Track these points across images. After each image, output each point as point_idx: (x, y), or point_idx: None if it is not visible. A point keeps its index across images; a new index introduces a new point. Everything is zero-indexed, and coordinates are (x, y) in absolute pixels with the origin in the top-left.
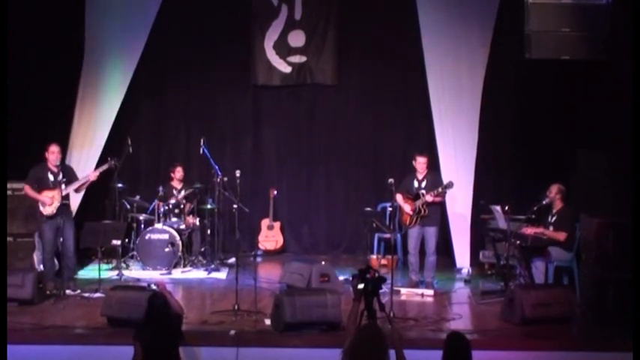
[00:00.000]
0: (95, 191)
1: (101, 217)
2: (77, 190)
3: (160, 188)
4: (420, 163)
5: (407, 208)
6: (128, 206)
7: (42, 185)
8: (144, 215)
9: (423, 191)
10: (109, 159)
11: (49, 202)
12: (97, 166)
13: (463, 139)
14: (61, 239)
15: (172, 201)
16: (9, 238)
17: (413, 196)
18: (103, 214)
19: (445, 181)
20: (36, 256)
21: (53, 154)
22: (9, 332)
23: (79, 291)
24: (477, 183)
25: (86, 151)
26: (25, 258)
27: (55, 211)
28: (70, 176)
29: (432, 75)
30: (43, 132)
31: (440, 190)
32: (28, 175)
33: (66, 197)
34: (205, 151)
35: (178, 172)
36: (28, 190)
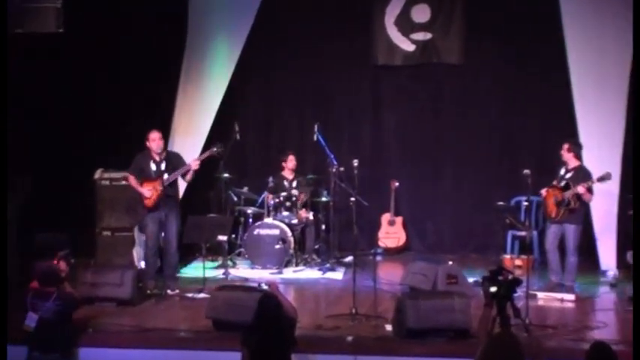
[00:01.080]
0: (199, 182)
1: (206, 210)
2: (185, 178)
3: (270, 179)
4: (567, 152)
5: (551, 200)
6: (235, 198)
7: (143, 175)
8: (252, 209)
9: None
10: (212, 146)
11: (147, 195)
12: (201, 153)
13: (608, 128)
14: (163, 234)
15: (283, 193)
16: (106, 232)
17: (561, 186)
18: (207, 207)
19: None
20: (136, 253)
21: (154, 141)
22: (106, 335)
23: (177, 291)
24: (623, 177)
25: (190, 139)
26: (125, 254)
27: (156, 204)
28: (175, 164)
29: (573, 55)
30: (142, 119)
31: (595, 180)
32: (131, 164)
33: (172, 188)
34: (320, 138)
35: (290, 162)
36: (132, 180)
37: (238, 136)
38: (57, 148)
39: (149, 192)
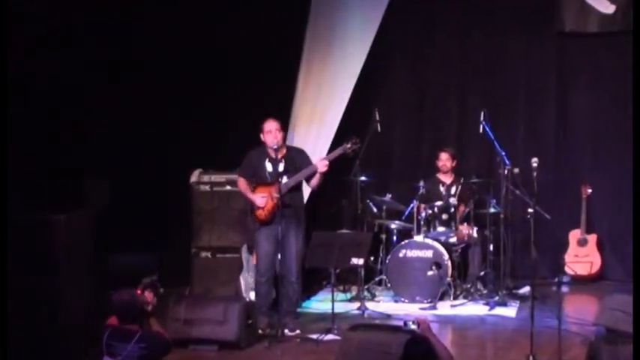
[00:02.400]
0: (327, 188)
1: (336, 225)
2: (310, 183)
3: (421, 184)
4: None
5: None
6: (375, 209)
7: (256, 178)
8: (397, 222)
9: None
10: (344, 142)
11: (260, 203)
12: (330, 150)
13: None
14: (280, 256)
15: (438, 202)
16: (205, 253)
17: None
18: (338, 220)
19: None
20: (244, 280)
21: (270, 133)
22: None
23: (297, 331)
24: None
25: (315, 132)
26: (229, 282)
27: (272, 216)
28: (298, 165)
29: None
30: (254, 107)
31: None
32: (242, 163)
33: (293, 196)
34: (487, 129)
35: (447, 161)
36: (242, 183)
37: (379, 128)
38: (141, 144)
39: (262, 200)
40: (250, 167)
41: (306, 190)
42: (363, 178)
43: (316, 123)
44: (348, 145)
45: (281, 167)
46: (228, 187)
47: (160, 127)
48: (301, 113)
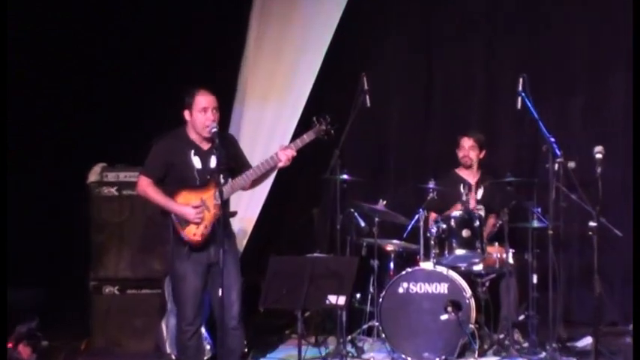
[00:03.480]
0: (291, 190)
1: (304, 245)
2: (251, 185)
3: (431, 184)
4: None
5: None
6: (362, 223)
7: (178, 178)
8: (395, 242)
9: None
10: (315, 121)
11: (193, 216)
12: (296, 135)
13: None
14: (214, 294)
15: (457, 212)
16: (110, 289)
17: None
18: (308, 238)
19: None
20: (167, 328)
21: (204, 112)
22: None
23: None
24: None
25: (274, 106)
26: (145, 332)
27: (208, 237)
28: (234, 158)
29: None
30: (180, 76)
31: None
32: (148, 156)
33: (226, 204)
34: (528, 103)
35: (472, 150)
36: (146, 187)
37: (368, 101)
38: (26, 134)
39: (197, 212)
40: (163, 165)
41: (251, 197)
42: (344, 177)
43: (275, 95)
44: (323, 127)
45: (212, 161)
46: (136, 191)
47: (43, 110)
48: (253, 81)
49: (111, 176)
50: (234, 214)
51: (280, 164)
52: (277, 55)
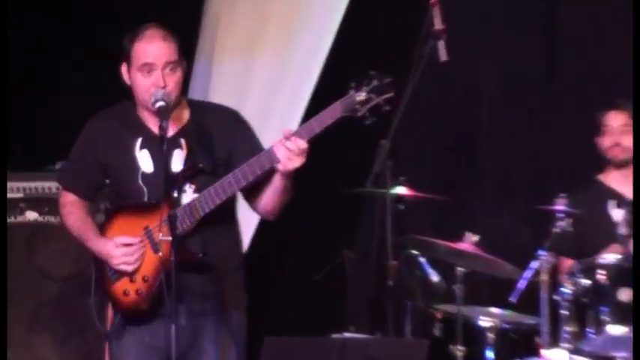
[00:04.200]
0: (300, 209)
1: (325, 310)
2: (257, 198)
3: (559, 205)
4: None
5: None
6: (434, 275)
7: (117, 190)
8: (497, 312)
9: None
10: (352, 86)
11: (115, 260)
12: (310, 115)
13: None
14: None
15: (609, 257)
16: None
17: None
18: (330, 298)
19: None
20: None
21: (151, 68)
22: None
23: None
24: None
25: (268, 64)
26: None
27: (147, 298)
28: (219, 148)
29: None
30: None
31: None
32: (69, 157)
33: (212, 234)
34: None
35: (625, 134)
36: (63, 208)
37: (443, 53)
38: None
39: (121, 255)
40: (94, 168)
41: (249, 219)
42: (400, 191)
43: (270, 44)
44: (362, 96)
45: (177, 159)
46: (50, 219)
47: None
48: (230, 19)
49: (15, 187)
50: (206, 262)
51: (279, 167)
52: None
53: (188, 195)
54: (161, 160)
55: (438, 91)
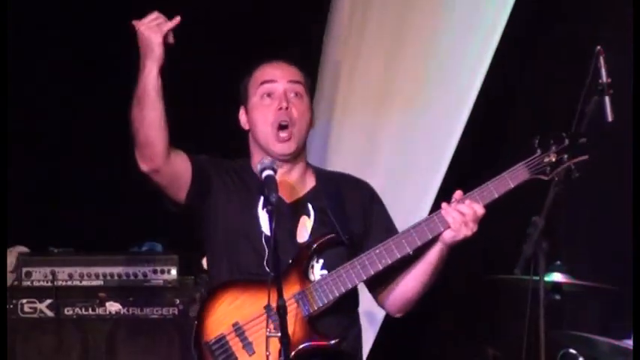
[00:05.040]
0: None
1: None
2: (394, 288)
3: None
4: None
5: None
6: None
7: (227, 253)
8: None
9: None
10: (537, 144)
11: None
12: (450, 186)
13: None
14: None
15: None
16: None
17: None
18: None
19: None
20: None
21: (267, 97)
22: None
23: None
24: None
25: (396, 139)
26: None
27: None
28: (346, 226)
29: None
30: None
31: None
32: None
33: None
34: None
35: None
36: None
37: (609, 113)
38: None
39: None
40: (204, 174)
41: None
42: (557, 279)
43: (402, 97)
44: (553, 157)
45: (306, 227)
46: (136, 311)
47: None
48: (357, 74)
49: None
50: (333, 343)
51: (447, 235)
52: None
53: (316, 271)
54: (290, 225)
55: (603, 156)
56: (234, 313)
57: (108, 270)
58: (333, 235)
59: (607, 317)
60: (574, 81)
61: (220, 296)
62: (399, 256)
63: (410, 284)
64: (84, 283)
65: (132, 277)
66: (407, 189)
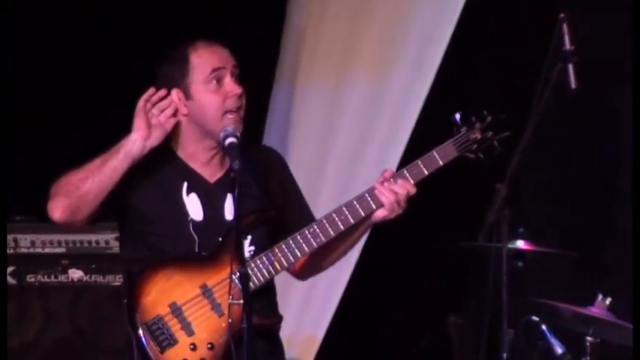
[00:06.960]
0: (398, 266)
1: None
2: (316, 262)
3: None
4: None
5: None
6: (558, 347)
7: (154, 238)
8: None
9: None
10: (457, 121)
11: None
12: (411, 157)
13: None
14: None
15: None
16: None
17: None
18: None
19: None
20: None
21: (216, 82)
22: None
23: None
24: None
25: (362, 91)
26: None
27: None
28: (278, 199)
29: None
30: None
31: None
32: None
33: (264, 302)
34: None
35: None
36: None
37: (572, 80)
38: None
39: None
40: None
41: (311, 283)
42: (519, 245)
43: (365, 66)
44: (475, 135)
45: (228, 209)
46: (99, 279)
47: None
48: (315, 42)
49: (56, 241)
50: (276, 321)
51: (379, 214)
52: None
53: (245, 249)
54: (217, 207)
55: (566, 124)
56: (170, 292)
57: (70, 237)
58: (263, 210)
59: (571, 284)
60: (538, 48)
61: (154, 276)
62: (333, 235)
63: (330, 256)
64: (46, 250)
65: (94, 245)
66: (368, 155)
